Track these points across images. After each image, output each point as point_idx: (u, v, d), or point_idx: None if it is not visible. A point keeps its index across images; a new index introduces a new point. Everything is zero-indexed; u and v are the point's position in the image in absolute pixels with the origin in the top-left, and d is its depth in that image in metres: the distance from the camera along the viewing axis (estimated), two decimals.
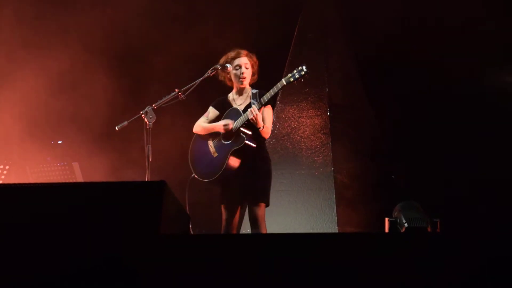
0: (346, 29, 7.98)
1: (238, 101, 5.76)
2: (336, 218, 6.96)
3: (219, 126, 5.65)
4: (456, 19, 7.33)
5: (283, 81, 5.49)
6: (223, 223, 5.65)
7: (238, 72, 5.67)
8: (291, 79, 5.48)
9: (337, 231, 6.87)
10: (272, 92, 5.47)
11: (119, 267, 2.84)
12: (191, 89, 5.60)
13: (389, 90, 7.71)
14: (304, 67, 5.48)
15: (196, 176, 5.75)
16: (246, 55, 5.70)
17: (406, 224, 4.58)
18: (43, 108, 7.92)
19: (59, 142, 8.23)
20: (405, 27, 7.50)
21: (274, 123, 7.60)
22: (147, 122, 5.48)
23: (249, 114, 5.45)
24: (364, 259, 2.81)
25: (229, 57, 5.72)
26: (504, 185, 6.88)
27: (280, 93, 7.72)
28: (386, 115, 7.74)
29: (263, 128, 5.51)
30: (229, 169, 5.54)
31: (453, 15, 7.34)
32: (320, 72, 7.59)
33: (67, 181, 7.19)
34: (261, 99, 5.51)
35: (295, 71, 5.50)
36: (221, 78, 5.82)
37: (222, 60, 5.74)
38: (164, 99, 5.59)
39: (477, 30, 7.27)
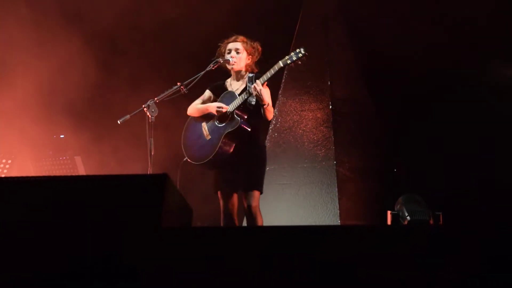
0: (348, 23, 7.97)
1: (234, 86, 5.71)
2: (339, 211, 6.96)
3: (212, 107, 5.59)
4: (458, 15, 7.31)
5: (280, 63, 5.43)
6: (221, 210, 5.60)
7: (228, 56, 5.66)
8: (288, 61, 5.42)
9: (339, 224, 6.87)
10: (268, 74, 5.41)
11: (120, 262, 2.84)
12: (193, 82, 5.59)
13: (391, 83, 7.70)
14: (302, 49, 5.42)
15: (188, 159, 5.69)
16: (241, 41, 5.68)
17: (408, 217, 4.58)
18: (45, 101, 7.92)
19: (61, 136, 8.24)
20: (408, 21, 7.49)
21: (276, 116, 7.61)
22: (149, 116, 5.47)
23: (252, 90, 5.36)
24: (366, 252, 2.81)
25: (226, 42, 5.73)
26: (507, 180, 6.88)
27: (282, 87, 7.73)
28: (388, 108, 7.74)
29: (267, 105, 5.44)
30: (222, 152, 5.47)
31: (456, 10, 7.32)
32: (322, 65, 7.59)
33: (69, 174, 7.20)
34: (260, 78, 5.42)
35: (292, 53, 5.44)
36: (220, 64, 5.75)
37: (221, 47, 5.75)
38: (166, 93, 5.58)
39: (480, 26, 7.25)
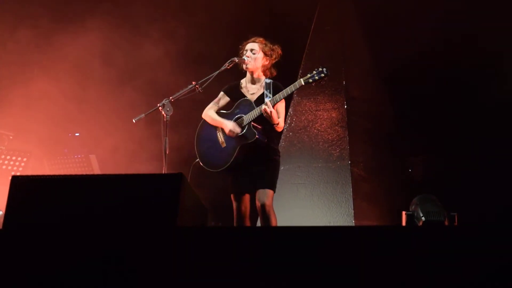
0: (364, 22, 7.94)
1: (250, 90, 5.70)
2: (353, 211, 6.94)
3: (226, 127, 5.55)
4: (474, 17, 7.28)
5: (302, 81, 5.42)
6: (234, 212, 5.60)
7: (244, 56, 5.65)
8: (310, 80, 5.42)
9: (353, 224, 6.86)
10: (289, 90, 5.39)
11: (136, 259, 2.85)
12: (208, 81, 5.57)
13: (407, 83, 7.67)
14: (324, 70, 5.41)
15: (201, 163, 5.69)
16: (259, 42, 5.67)
17: (423, 218, 4.55)
18: (61, 100, 7.96)
19: (76, 134, 8.27)
20: (425, 20, 7.45)
21: (291, 116, 7.59)
22: (164, 115, 5.47)
23: (263, 112, 5.36)
24: (381, 253, 2.80)
25: (245, 43, 5.71)
26: None
27: None
28: (403, 108, 7.71)
29: (278, 124, 5.47)
30: (238, 161, 5.48)
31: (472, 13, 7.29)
32: (337, 65, 7.56)
33: (84, 173, 7.23)
34: (276, 96, 5.42)
35: (314, 71, 5.44)
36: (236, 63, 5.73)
37: (241, 48, 5.74)
38: (181, 92, 5.57)
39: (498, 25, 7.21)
